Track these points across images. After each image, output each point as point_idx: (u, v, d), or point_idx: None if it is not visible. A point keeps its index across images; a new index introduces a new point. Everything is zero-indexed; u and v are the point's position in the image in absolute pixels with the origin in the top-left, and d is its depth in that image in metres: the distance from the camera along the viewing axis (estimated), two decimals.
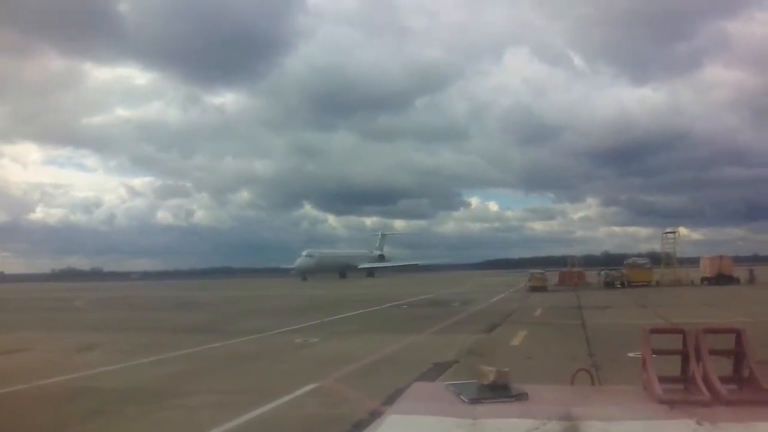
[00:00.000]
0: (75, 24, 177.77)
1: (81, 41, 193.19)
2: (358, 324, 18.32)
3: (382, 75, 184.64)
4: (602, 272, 42.74)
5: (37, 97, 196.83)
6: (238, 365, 10.91)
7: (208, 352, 12.51)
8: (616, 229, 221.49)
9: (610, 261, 67.55)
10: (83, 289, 62.56)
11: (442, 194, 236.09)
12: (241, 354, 12.20)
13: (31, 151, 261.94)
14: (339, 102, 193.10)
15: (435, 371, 9.34)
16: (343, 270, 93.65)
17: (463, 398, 2.61)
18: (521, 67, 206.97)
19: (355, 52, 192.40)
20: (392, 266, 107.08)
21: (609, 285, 38.72)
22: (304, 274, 79.16)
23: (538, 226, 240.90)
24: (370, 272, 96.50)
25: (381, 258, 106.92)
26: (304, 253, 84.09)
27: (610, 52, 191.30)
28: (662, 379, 2.66)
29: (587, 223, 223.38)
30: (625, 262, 42.60)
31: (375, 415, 6.30)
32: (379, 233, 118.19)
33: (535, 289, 36.04)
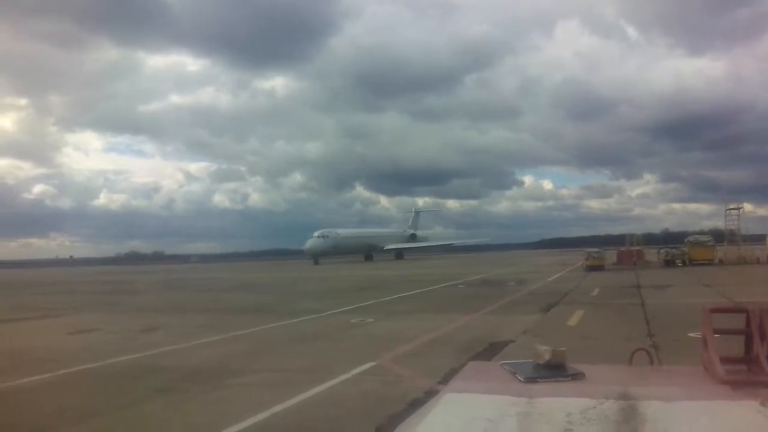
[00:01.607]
0: (126, 14, 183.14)
1: (133, 31, 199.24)
2: (413, 304, 18.42)
3: (429, 53, 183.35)
4: (662, 250, 41.59)
5: (95, 86, 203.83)
6: (296, 345, 11.16)
7: (266, 332, 12.82)
8: (676, 206, 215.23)
9: (670, 239, 65.68)
10: (145, 271, 64.87)
11: (494, 173, 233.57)
12: (298, 334, 12.47)
13: (92, 139, 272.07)
14: (387, 82, 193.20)
15: (490, 351, 9.34)
16: (368, 251, 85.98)
17: (518, 377, 2.63)
18: (573, 40, 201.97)
19: (401, 31, 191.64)
20: (423, 247, 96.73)
21: (669, 264, 37.69)
22: (317, 257, 71.63)
23: (595, 204, 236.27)
24: (399, 253, 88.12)
25: (413, 237, 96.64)
26: (315, 233, 74.47)
27: (665, 22, 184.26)
28: (724, 360, 2.61)
29: (645, 201, 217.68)
30: (686, 240, 41.20)
31: (430, 394, 6.37)
32: (413, 210, 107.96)
33: (592, 268, 35.40)
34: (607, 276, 30.12)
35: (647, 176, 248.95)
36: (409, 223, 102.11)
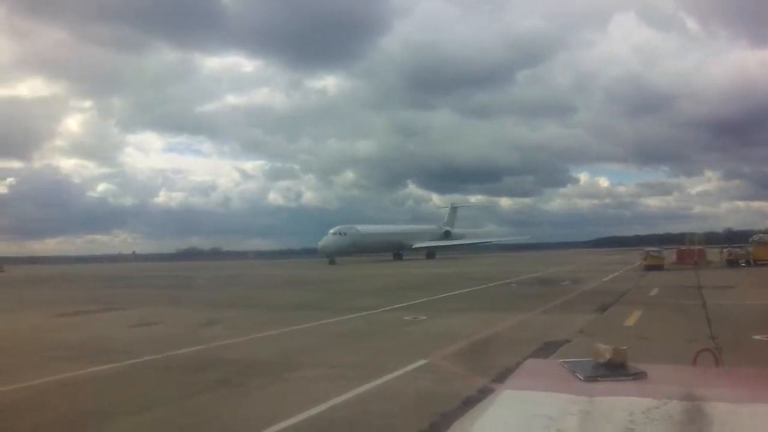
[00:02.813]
0: (183, 18, 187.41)
1: (190, 34, 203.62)
2: (466, 302, 18.33)
3: (480, 50, 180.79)
4: (725, 250, 40.07)
5: (155, 88, 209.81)
6: (351, 341, 11.28)
7: (322, 328, 12.99)
8: (740, 203, 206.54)
9: (734, 238, 63.38)
10: (204, 267, 66.48)
11: (548, 170, 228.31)
12: (353, 330, 12.60)
13: (152, 139, 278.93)
14: (437, 80, 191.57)
15: (545, 350, 9.23)
16: (395, 249, 78.35)
17: (578, 375, 2.59)
18: (628, 34, 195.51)
19: (451, 28, 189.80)
20: (457, 245, 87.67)
21: (732, 264, 36.25)
22: (332, 256, 63.57)
23: (653, 202, 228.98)
24: (431, 252, 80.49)
25: (447, 235, 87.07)
26: (331, 230, 66.62)
27: (725, 13, 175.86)
28: None
29: (706, 198, 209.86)
30: (750, 239, 39.59)
31: (484, 392, 6.35)
32: (449, 206, 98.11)
33: (650, 267, 34.38)
34: (666, 276, 29.25)
35: (708, 173, 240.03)
36: (445, 220, 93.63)
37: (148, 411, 6.48)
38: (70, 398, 7.27)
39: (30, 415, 6.51)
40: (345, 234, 65.82)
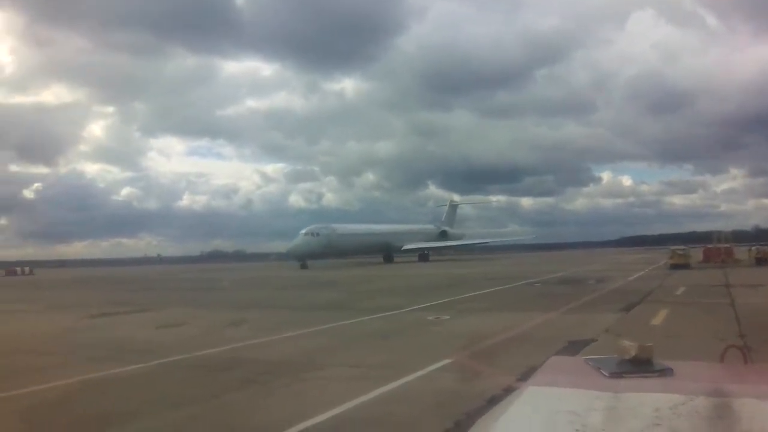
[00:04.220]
0: (200, 22, 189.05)
1: (207, 38, 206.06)
2: (489, 302, 18.25)
3: (497, 49, 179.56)
4: (753, 248, 39.39)
5: (175, 93, 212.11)
6: (373, 341, 11.30)
7: (344, 329, 13.03)
8: (767, 201, 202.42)
9: (762, 236, 62.15)
10: (228, 269, 67.04)
11: (570, 170, 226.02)
12: (375, 330, 12.62)
13: (173, 144, 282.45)
14: (454, 80, 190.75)
15: (570, 349, 9.16)
16: (384, 251, 70.88)
17: (603, 372, 2.57)
18: (648, 32, 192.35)
19: (468, 28, 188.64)
20: (452, 246, 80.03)
21: (761, 262, 35.64)
22: (303, 259, 56.45)
23: (677, 200, 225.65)
24: (423, 255, 72.29)
25: (443, 235, 79.32)
26: (303, 230, 59.12)
27: (746, 8, 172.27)
28: None
29: (732, 196, 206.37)
30: None
31: (509, 391, 6.32)
32: (447, 203, 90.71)
33: (676, 266, 33.90)
34: (693, 274, 28.83)
35: (734, 170, 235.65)
36: (443, 218, 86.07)
37: (177, 409, 6.58)
38: (100, 397, 7.41)
39: (63, 414, 6.65)
40: (318, 234, 58.26)
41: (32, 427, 6.11)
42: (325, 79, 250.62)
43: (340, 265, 61.93)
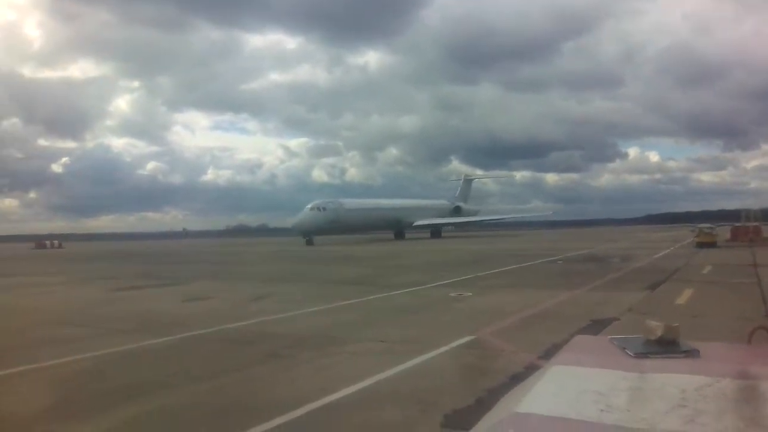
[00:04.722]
0: None
1: (230, 12, 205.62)
2: (512, 279, 18.22)
3: (523, 21, 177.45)
4: None
5: (199, 67, 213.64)
6: (397, 316, 11.38)
7: (369, 303, 13.14)
8: None
9: None
10: (252, 243, 67.74)
11: (596, 145, 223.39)
12: (400, 306, 12.70)
13: (198, 118, 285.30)
14: (479, 53, 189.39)
15: (593, 328, 9.15)
16: (394, 227, 68.76)
17: (628, 352, 2.57)
18: (679, 2, 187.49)
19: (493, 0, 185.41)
20: (460, 222, 76.90)
21: None
22: (309, 235, 54.31)
23: (706, 177, 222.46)
24: (435, 230, 71.12)
25: (457, 211, 76.63)
26: (309, 205, 56.66)
27: None
28: None
29: (763, 173, 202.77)
30: None
31: (531, 368, 6.36)
32: (462, 178, 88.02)
33: (702, 245, 33.42)
34: (719, 253, 28.43)
35: (765, 146, 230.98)
36: (456, 194, 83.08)
37: (202, 382, 6.72)
38: (129, 369, 7.59)
39: (93, 384, 6.82)
40: (324, 209, 56.07)
41: (64, 398, 6.28)
42: (349, 53, 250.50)
43: (349, 241, 60.72)
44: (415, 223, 68.04)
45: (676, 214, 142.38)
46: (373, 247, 48.36)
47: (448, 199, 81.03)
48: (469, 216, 77.75)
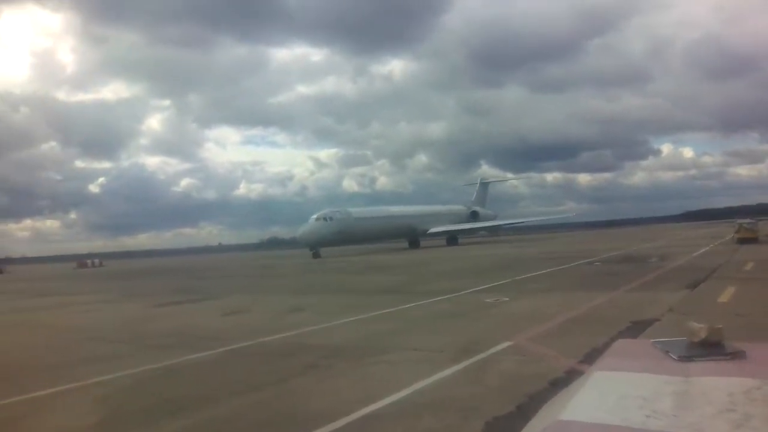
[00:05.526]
0: (245, 12, 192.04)
1: (254, 27, 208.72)
2: (549, 282, 18.02)
3: (547, 21, 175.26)
4: None
5: (227, 83, 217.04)
6: (434, 324, 11.35)
7: (405, 312, 13.13)
8: None
9: None
10: (286, 256, 68.24)
11: (627, 143, 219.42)
12: (436, 313, 12.67)
13: (228, 134, 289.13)
14: (503, 55, 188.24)
15: (633, 330, 9.00)
16: (408, 236, 66.34)
17: (671, 355, 2.54)
18: None
19: (515, 0, 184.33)
20: (475, 228, 72.74)
21: None
22: (315, 247, 52.28)
23: (743, 171, 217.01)
24: (452, 237, 67.68)
25: (474, 216, 73.52)
26: (314, 215, 54.47)
27: None
28: None
29: None
30: None
31: (571, 373, 6.30)
32: (478, 182, 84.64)
33: (744, 241, 32.64)
34: (762, 249, 27.71)
35: None
36: (473, 198, 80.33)
37: (245, 395, 6.80)
38: (172, 384, 7.74)
39: (137, 400, 6.96)
40: (331, 219, 53.50)
41: (110, 415, 6.43)
42: (374, 62, 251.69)
43: (361, 251, 59.14)
44: (430, 231, 65.57)
45: (715, 210, 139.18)
46: (400, 256, 48.29)
47: (465, 204, 78.55)
48: (486, 220, 75.30)
